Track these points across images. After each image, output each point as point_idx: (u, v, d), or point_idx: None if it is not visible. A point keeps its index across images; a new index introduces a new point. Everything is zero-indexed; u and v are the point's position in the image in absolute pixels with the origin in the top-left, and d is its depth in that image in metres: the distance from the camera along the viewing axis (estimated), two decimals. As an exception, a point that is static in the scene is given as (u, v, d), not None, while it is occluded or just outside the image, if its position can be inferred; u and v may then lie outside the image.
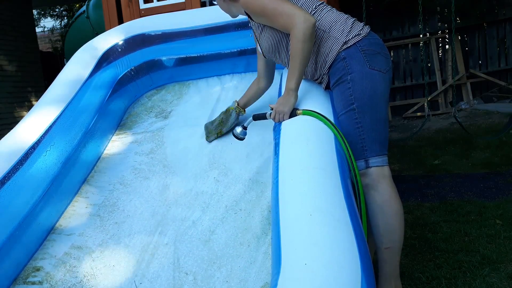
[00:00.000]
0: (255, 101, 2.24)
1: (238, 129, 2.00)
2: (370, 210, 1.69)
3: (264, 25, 1.84)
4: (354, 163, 1.58)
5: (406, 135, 5.54)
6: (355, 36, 1.73)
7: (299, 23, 1.62)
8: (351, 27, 1.75)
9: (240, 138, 2.02)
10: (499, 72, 7.21)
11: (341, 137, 1.59)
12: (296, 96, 1.73)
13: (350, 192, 1.39)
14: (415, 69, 7.45)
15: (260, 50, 2.03)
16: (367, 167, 1.68)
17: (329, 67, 1.77)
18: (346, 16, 1.81)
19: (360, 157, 1.68)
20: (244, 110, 2.20)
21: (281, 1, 1.69)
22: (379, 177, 1.67)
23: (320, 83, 1.88)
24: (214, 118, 2.28)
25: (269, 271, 1.57)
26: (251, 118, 1.94)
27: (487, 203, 2.91)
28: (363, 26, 1.79)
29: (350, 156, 1.58)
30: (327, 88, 1.87)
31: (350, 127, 1.70)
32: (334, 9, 1.83)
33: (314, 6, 1.80)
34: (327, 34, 1.76)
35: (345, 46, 1.72)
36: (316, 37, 1.75)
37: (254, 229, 1.77)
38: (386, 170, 1.69)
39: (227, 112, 2.20)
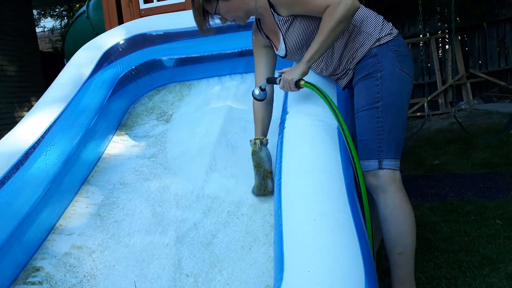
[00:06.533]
0: (270, 119, 1.98)
1: (256, 91, 1.92)
2: (380, 214, 1.65)
3: (294, 18, 1.70)
4: (356, 158, 1.50)
5: (406, 135, 5.54)
6: (387, 34, 1.68)
7: (344, 2, 1.53)
8: (382, 25, 1.70)
9: (259, 99, 1.93)
10: (499, 72, 7.21)
11: (343, 123, 1.52)
12: (307, 68, 1.65)
13: (354, 196, 1.36)
14: (415, 69, 7.43)
15: (260, 55, 1.91)
16: (380, 168, 1.63)
17: (358, 62, 1.71)
18: (375, 12, 1.75)
19: (374, 157, 1.64)
20: (265, 138, 1.95)
21: None
22: (390, 180, 1.63)
23: (339, 79, 1.82)
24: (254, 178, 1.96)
25: (270, 273, 1.57)
26: (266, 80, 1.89)
27: (487, 203, 2.91)
28: (392, 26, 1.74)
29: (351, 150, 1.50)
30: (346, 86, 1.82)
31: (370, 125, 1.64)
32: (361, 5, 1.74)
33: None
34: (357, 29, 1.69)
35: (377, 43, 1.67)
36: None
37: (255, 233, 1.76)
38: (397, 174, 1.65)
39: (254, 154, 1.92)
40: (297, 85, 1.66)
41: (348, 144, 1.50)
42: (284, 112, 1.84)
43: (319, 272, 1.04)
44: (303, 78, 1.67)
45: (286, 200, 1.33)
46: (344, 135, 1.52)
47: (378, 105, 1.63)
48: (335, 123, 1.66)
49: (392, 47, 1.67)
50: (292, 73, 1.66)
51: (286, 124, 1.71)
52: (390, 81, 1.64)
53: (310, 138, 1.56)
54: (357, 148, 1.67)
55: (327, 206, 1.25)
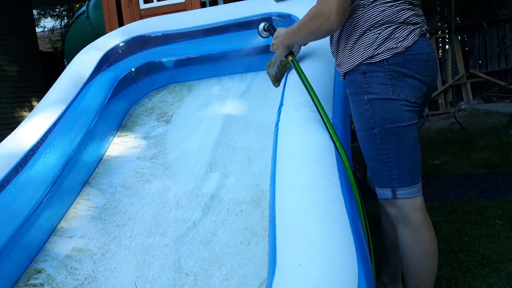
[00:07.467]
0: None
1: (261, 27, 1.95)
2: (399, 243, 1.55)
3: None
4: (342, 153, 1.40)
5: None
6: (387, 49, 1.39)
7: (322, 15, 1.38)
8: (388, 37, 1.40)
9: (263, 36, 1.97)
10: (499, 72, 7.21)
11: (325, 116, 1.48)
12: (287, 48, 1.69)
13: (349, 188, 1.33)
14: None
15: None
16: (395, 198, 1.49)
17: (346, 73, 1.52)
18: (398, 18, 1.42)
19: (386, 186, 1.49)
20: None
21: None
22: (409, 210, 1.48)
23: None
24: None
25: (268, 268, 1.57)
26: (269, 26, 1.94)
27: (487, 203, 2.91)
28: (408, 35, 1.41)
29: (335, 142, 1.42)
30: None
31: (374, 151, 1.48)
32: (396, 3, 1.43)
33: None
34: (358, 34, 1.45)
35: (368, 61, 1.42)
36: (350, 25, 1.47)
37: (254, 228, 1.77)
38: (418, 200, 1.49)
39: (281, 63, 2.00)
40: (286, 58, 1.75)
41: (329, 132, 1.47)
42: (280, 104, 1.82)
43: (311, 265, 1.02)
44: (294, 53, 1.72)
45: (280, 193, 1.30)
46: (325, 124, 1.49)
47: (375, 132, 1.45)
48: (329, 114, 1.61)
49: (389, 66, 1.40)
50: (278, 48, 1.72)
51: (281, 117, 1.67)
52: (380, 107, 1.42)
53: (303, 129, 1.51)
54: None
55: (320, 198, 1.21)
